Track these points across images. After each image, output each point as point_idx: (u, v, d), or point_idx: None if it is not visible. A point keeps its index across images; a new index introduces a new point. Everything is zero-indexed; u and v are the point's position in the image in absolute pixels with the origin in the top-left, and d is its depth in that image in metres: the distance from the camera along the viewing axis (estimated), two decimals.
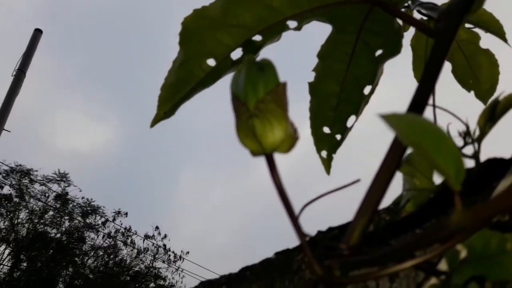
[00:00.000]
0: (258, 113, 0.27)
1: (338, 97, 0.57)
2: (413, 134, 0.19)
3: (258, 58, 0.49)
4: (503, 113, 0.44)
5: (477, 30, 0.73)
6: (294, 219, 0.27)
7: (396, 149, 0.32)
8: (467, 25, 0.71)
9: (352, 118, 0.58)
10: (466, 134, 0.45)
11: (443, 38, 0.36)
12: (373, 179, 0.31)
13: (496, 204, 0.19)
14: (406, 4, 0.64)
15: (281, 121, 0.27)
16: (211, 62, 0.49)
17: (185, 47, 0.48)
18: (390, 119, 0.20)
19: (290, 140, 0.29)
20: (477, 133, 0.45)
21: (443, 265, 0.30)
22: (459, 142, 0.46)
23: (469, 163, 0.46)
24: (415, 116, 0.21)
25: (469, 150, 0.46)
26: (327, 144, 0.59)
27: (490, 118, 0.44)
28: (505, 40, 0.72)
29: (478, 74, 0.73)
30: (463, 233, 0.22)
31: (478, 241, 0.27)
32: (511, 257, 0.25)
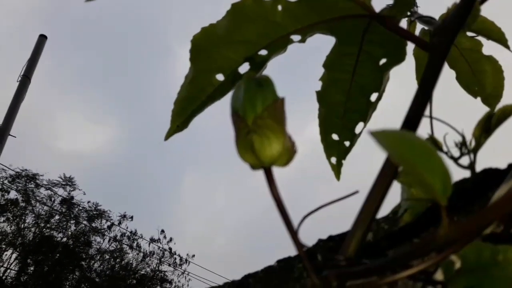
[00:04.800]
0: (256, 129, 0.28)
1: (345, 106, 0.58)
2: (401, 151, 0.20)
3: (268, 66, 0.51)
4: (498, 125, 0.44)
5: (479, 37, 0.74)
6: (292, 232, 0.28)
7: (391, 160, 0.32)
8: (469, 33, 0.72)
9: (360, 125, 0.58)
10: (462, 145, 0.46)
11: (438, 53, 0.36)
12: (369, 190, 0.32)
13: (481, 218, 0.19)
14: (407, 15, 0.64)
15: (279, 136, 0.28)
16: (219, 77, 0.50)
17: (195, 63, 0.50)
18: (379, 136, 0.21)
19: (288, 154, 0.29)
20: (473, 143, 0.45)
21: (439, 275, 0.31)
22: (455, 152, 0.47)
23: (465, 174, 0.47)
24: (404, 132, 0.22)
25: (465, 160, 0.46)
26: (336, 151, 0.60)
27: (485, 129, 0.45)
28: (507, 47, 0.72)
29: (483, 81, 0.73)
30: (454, 245, 0.23)
31: (471, 252, 0.27)
32: (503, 269, 0.25)
